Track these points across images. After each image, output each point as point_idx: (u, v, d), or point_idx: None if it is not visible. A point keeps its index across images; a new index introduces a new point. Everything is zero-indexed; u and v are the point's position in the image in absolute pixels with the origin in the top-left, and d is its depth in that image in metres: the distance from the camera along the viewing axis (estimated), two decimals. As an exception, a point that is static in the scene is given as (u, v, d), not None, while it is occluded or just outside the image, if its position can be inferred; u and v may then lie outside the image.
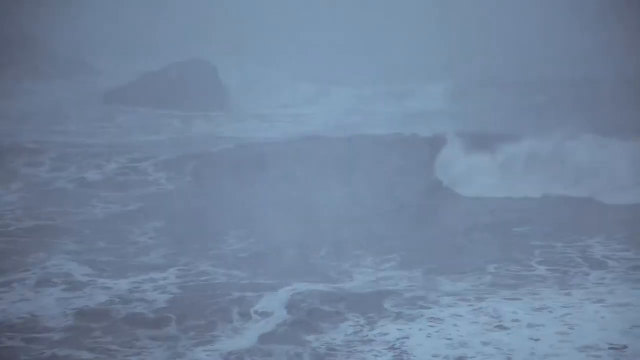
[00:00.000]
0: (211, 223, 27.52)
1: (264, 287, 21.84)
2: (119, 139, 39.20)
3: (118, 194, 30.91)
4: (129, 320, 20.01)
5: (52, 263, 23.43)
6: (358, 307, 20.77)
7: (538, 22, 64.99)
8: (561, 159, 32.94)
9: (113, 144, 37.49)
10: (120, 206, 29.71)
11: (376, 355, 18.57)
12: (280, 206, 28.76)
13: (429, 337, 19.32)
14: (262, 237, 26.15)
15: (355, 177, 31.40)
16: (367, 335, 19.47)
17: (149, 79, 49.59)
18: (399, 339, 19.28)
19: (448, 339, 19.21)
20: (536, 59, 55.77)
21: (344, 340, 19.22)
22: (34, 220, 27.57)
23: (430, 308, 20.84)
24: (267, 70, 55.75)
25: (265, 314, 20.28)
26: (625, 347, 18.52)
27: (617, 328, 19.45)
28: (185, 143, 38.15)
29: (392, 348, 18.87)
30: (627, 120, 36.72)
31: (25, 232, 26.45)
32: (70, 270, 22.93)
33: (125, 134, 40.78)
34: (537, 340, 19.08)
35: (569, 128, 33.99)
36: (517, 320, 19.95)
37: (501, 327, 19.67)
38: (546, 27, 63.10)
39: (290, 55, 60.34)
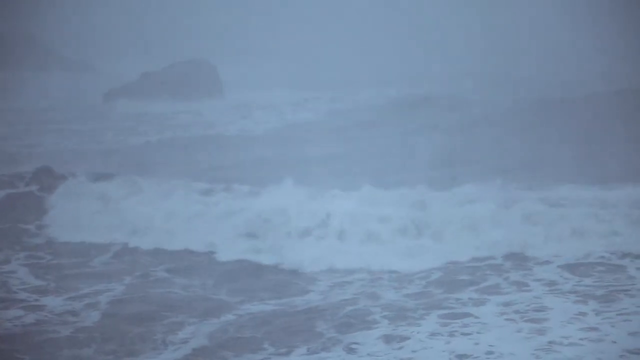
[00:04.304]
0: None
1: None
2: (118, 139, 39.53)
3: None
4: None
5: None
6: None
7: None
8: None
9: (112, 143, 37.84)
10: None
11: None
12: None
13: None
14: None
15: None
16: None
17: (149, 78, 49.95)
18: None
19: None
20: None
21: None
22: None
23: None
24: (266, 70, 56.18)
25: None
26: None
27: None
28: (184, 143, 38.44)
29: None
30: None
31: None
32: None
33: (124, 133, 41.12)
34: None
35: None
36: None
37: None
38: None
39: (288, 56, 60.78)
